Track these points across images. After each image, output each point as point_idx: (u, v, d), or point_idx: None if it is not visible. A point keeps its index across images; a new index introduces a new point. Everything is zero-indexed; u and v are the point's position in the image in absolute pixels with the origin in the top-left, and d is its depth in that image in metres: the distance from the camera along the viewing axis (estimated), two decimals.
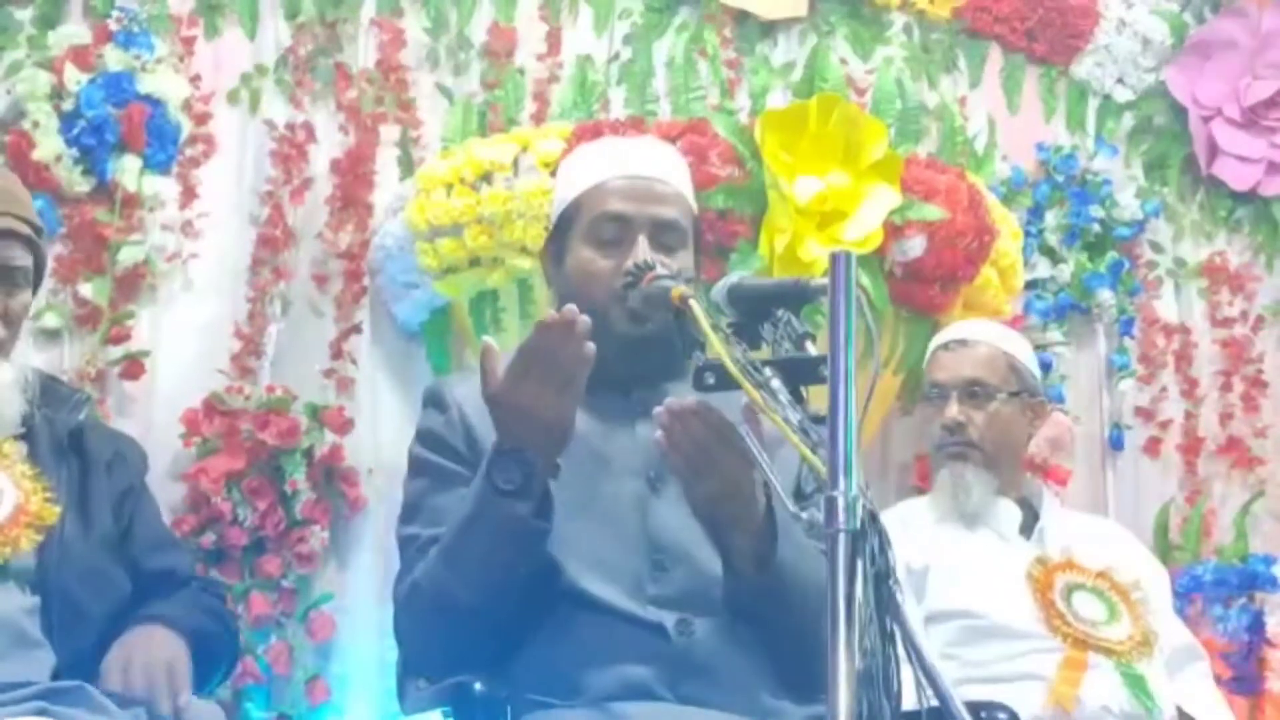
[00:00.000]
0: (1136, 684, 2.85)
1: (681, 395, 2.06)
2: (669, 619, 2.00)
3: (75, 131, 3.41)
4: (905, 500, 3.40)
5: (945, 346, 3.19)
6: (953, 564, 2.98)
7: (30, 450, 2.25)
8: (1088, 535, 3.13)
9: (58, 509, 2.18)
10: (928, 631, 2.90)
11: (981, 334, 3.22)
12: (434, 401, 2.17)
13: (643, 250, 2.09)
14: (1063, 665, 2.83)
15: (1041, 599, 2.91)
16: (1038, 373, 3.29)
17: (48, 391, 2.35)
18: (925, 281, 3.47)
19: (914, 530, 3.06)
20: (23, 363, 2.37)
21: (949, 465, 3.11)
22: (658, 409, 1.89)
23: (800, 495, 2.05)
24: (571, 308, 1.87)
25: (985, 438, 3.09)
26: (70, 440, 2.31)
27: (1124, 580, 3.01)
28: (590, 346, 1.88)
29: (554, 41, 3.93)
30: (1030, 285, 4.20)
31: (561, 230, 2.19)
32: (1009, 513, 3.08)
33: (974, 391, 3.10)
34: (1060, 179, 4.35)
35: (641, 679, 1.96)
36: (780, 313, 1.84)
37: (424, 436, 2.16)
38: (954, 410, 3.08)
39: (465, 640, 1.97)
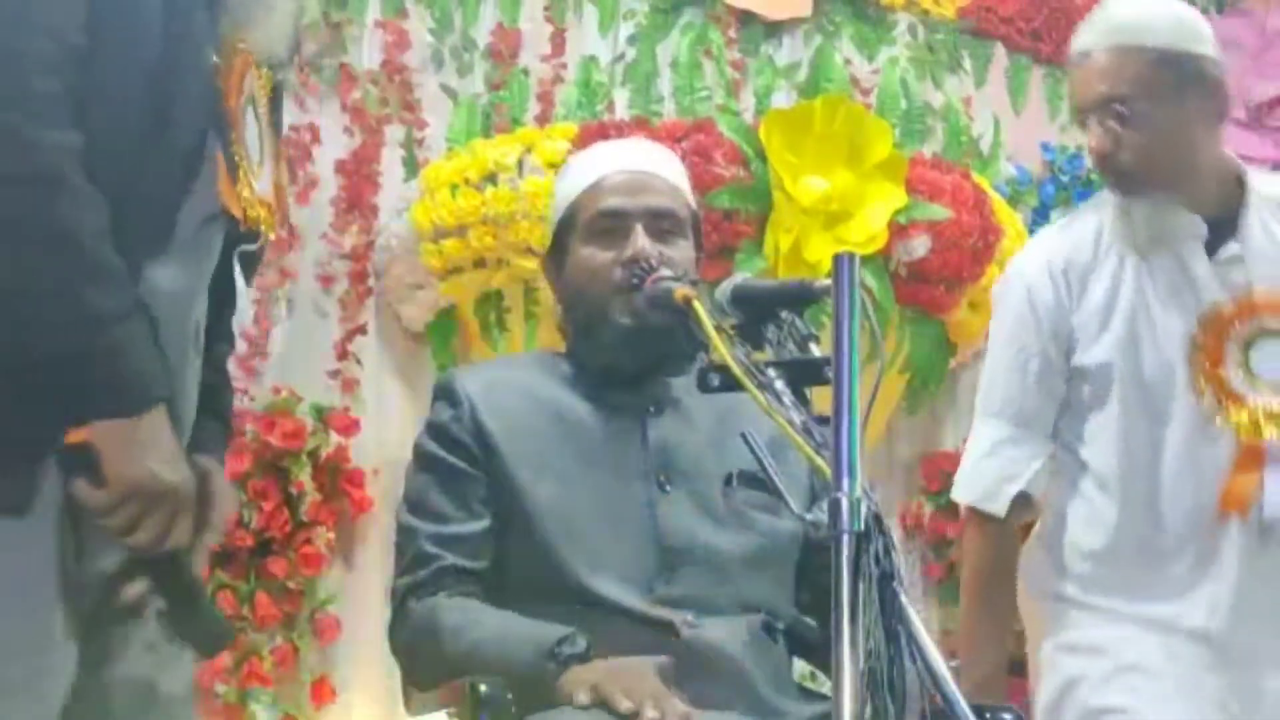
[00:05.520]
0: None
1: (687, 391, 2.07)
2: (677, 617, 2.00)
3: None
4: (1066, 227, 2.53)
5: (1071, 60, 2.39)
6: (1105, 317, 2.38)
7: None
8: None
9: None
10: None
11: (1119, 29, 2.33)
12: (445, 395, 2.17)
13: (640, 239, 2.09)
14: (1236, 464, 2.29)
15: (1208, 374, 2.30)
16: (1207, 45, 2.34)
17: None
18: (930, 281, 3.47)
19: (1078, 269, 2.42)
20: None
21: (1113, 197, 2.38)
22: None
23: (814, 500, 2.04)
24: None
25: (1144, 158, 2.30)
26: None
27: None
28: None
29: (558, 42, 3.94)
30: None
31: (562, 235, 2.20)
32: (1192, 229, 2.33)
33: (1116, 111, 2.30)
34: (1065, 179, 4.35)
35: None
36: (784, 314, 1.83)
37: (433, 430, 2.16)
38: (1093, 138, 2.30)
39: (461, 675, 1.98)
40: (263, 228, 1.77)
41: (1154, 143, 2.29)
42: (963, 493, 2.46)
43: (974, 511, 2.43)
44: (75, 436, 1.54)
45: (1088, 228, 2.43)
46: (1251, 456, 2.28)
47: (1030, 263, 2.47)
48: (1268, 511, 2.26)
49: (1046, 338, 2.40)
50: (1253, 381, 2.30)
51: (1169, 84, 2.28)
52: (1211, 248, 2.33)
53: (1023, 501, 2.40)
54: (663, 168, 2.22)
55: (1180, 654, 2.27)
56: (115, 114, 1.59)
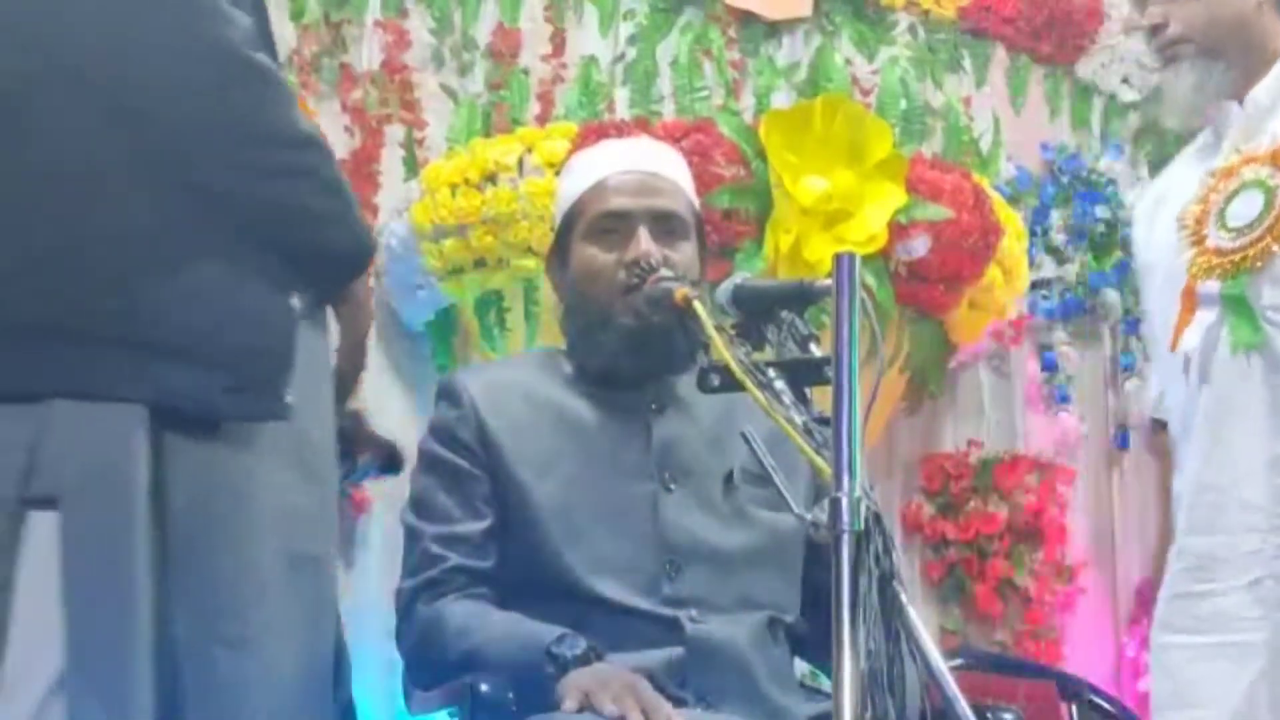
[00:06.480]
0: (1233, 309, 2.30)
1: (690, 388, 2.07)
2: (683, 614, 2.00)
3: None
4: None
5: None
6: (1153, 222, 2.52)
7: None
8: None
9: None
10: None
11: None
12: (447, 394, 2.17)
13: (644, 240, 2.09)
14: (1181, 305, 2.36)
15: (1194, 224, 2.36)
16: None
17: None
18: (930, 281, 3.47)
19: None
20: None
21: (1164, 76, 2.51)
22: None
23: (818, 496, 2.04)
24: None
25: (1190, 25, 2.42)
26: None
27: None
28: None
29: (559, 42, 3.94)
30: (1035, 285, 4.21)
31: (564, 234, 2.20)
32: (1229, 113, 2.45)
33: None
34: (1065, 179, 4.35)
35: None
36: (784, 314, 1.84)
37: (436, 431, 2.16)
38: (1149, 17, 2.47)
39: (464, 675, 1.98)
40: None
41: (1200, 10, 2.40)
42: None
43: None
44: None
45: (1178, 161, 2.58)
46: (1189, 297, 2.35)
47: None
48: (1181, 347, 2.34)
49: (1147, 275, 2.54)
50: (1223, 228, 2.34)
51: None
52: None
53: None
54: (667, 168, 2.21)
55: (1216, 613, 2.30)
56: None
